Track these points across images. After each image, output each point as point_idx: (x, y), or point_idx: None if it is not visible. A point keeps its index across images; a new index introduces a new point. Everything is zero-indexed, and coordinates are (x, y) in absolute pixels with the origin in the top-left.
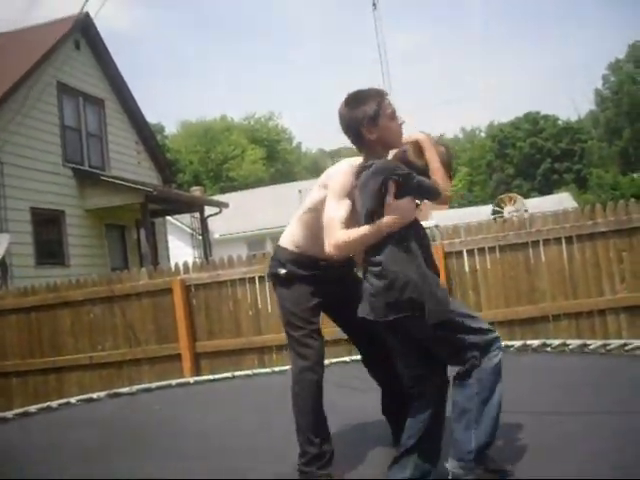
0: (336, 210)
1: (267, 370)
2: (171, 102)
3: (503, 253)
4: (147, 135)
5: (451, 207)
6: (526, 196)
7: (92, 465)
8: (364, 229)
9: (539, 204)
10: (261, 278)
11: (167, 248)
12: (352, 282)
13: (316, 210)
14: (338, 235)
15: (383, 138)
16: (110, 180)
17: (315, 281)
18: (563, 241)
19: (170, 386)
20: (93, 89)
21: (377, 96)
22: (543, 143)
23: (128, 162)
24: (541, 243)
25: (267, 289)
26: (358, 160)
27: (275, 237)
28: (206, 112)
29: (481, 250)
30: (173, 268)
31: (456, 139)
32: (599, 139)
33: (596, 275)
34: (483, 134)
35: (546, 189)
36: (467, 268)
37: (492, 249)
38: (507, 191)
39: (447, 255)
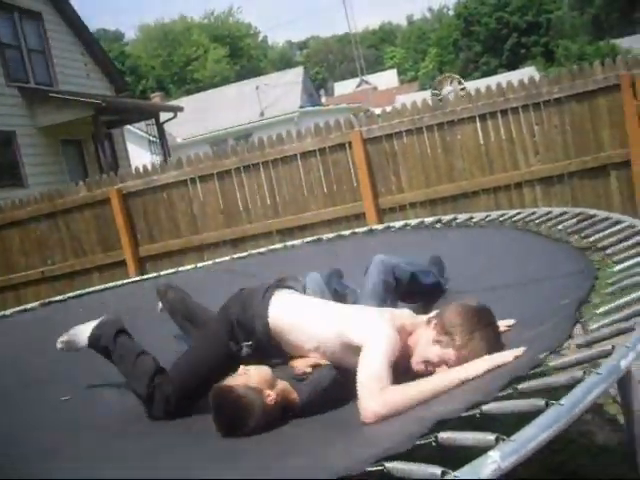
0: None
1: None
2: (128, 5)
3: (420, 135)
4: (93, 44)
5: (422, 89)
6: (493, 72)
7: None
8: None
9: (504, 80)
10: (192, 180)
11: (127, 157)
12: None
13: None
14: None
15: None
16: (58, 96)
17: None
18: (477, 119)
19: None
20: (27, 2)
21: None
22: (509, 17)
23: (76, 75)
24: (456, 123)
25: (199, 189)
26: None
27: (236, 135)
28: (165, 14)
29: (398, 134)
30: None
31: (424, 19)
32: (571, 7)
33: (511, 150)
34: (451, 12)
35: (515, 64)
36: (386, 153)
37: (409, 132)
38: (475, 69)
39: (367, 141)
